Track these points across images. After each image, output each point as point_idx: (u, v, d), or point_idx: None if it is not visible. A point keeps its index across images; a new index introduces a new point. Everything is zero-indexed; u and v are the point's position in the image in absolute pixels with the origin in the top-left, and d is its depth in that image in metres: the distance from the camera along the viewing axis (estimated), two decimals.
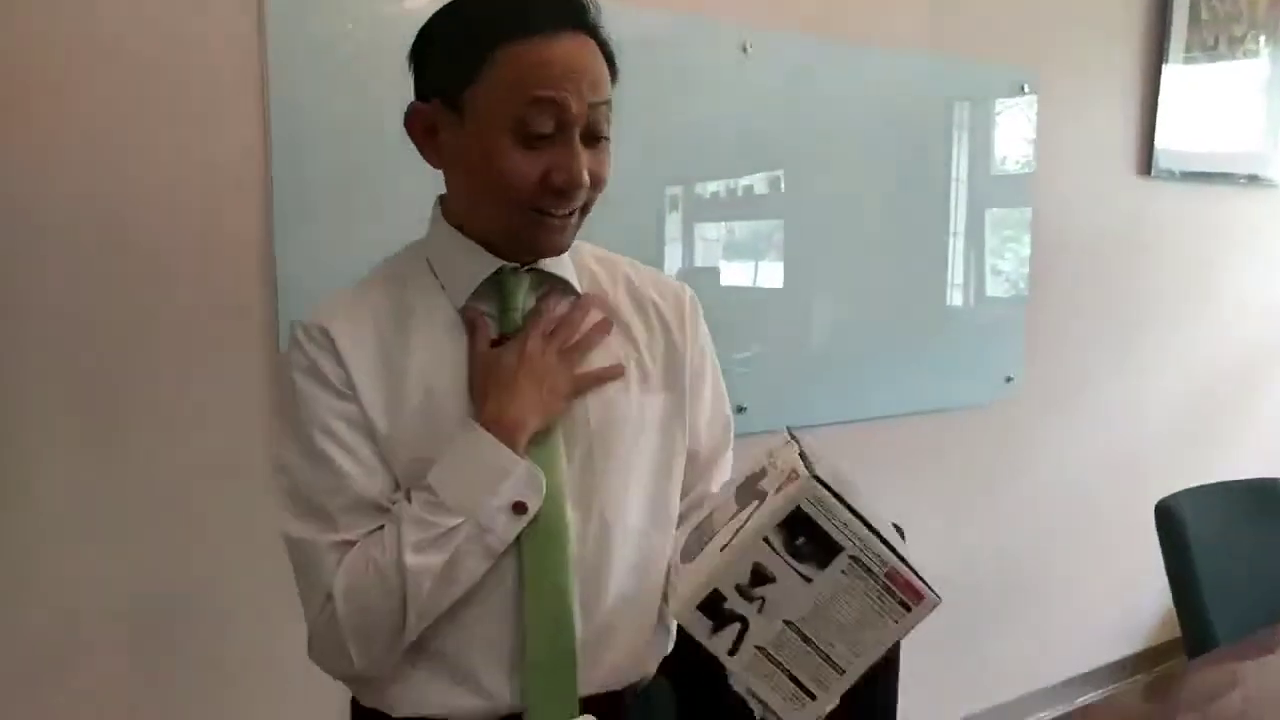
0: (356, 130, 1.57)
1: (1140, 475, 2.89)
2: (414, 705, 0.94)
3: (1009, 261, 2.56)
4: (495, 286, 0.97)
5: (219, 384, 1.54)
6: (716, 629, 0.76)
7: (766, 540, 0.74)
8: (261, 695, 1.59)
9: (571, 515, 0.96)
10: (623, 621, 0.98)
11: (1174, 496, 1.74)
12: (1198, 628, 1.65)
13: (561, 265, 1.00)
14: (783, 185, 2.14)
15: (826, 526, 0.73)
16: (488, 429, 0.91)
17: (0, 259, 1.38)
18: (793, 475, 0.75)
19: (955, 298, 2.46)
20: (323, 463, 0.92)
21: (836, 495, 0.74)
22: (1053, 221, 2.60)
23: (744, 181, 2.11)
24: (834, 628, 0.75)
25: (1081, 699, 2.87)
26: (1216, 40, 2.86)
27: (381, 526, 0.92)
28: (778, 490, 0.76)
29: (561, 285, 1.00)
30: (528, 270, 0.98)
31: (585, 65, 0.90)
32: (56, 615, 1.47)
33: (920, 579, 0.75)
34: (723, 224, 2.10)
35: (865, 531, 0.74)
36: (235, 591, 1.57)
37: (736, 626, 0.75)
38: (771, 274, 2.17)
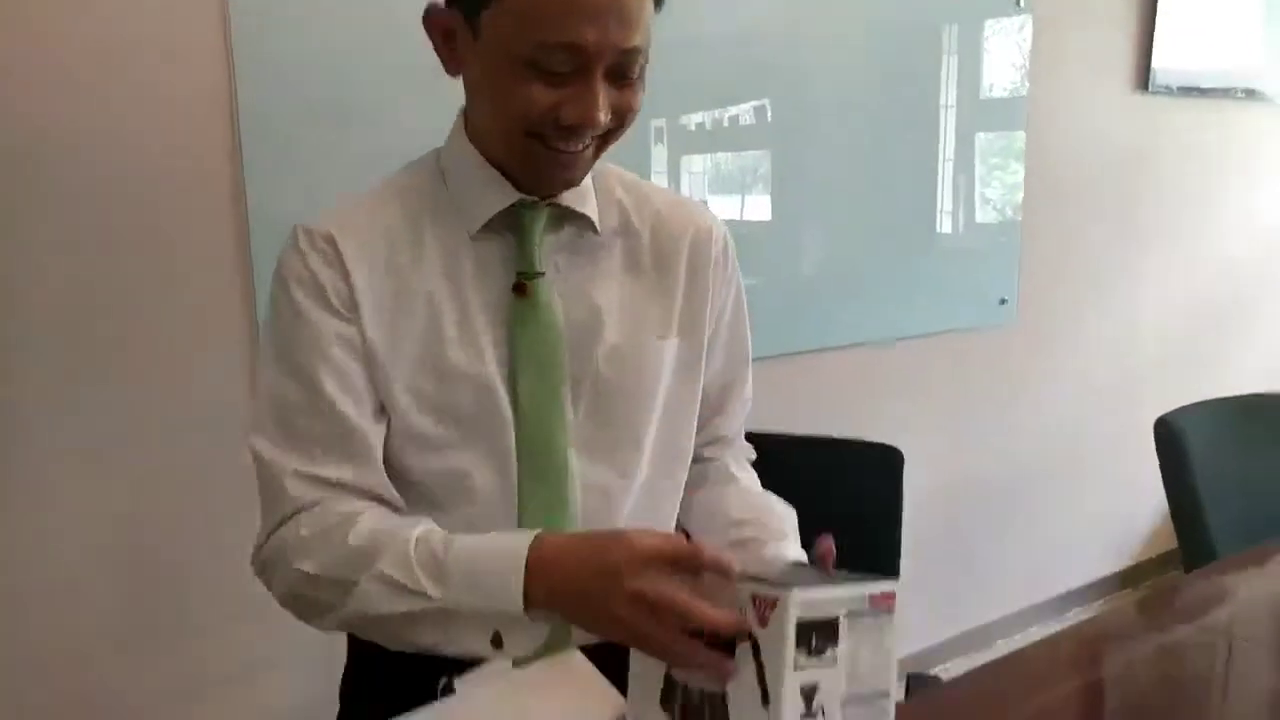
0: (325, 64, 1.52)
1: (1137, 395, 2.89)
2: (408, 644, 0.87)
3: (1000, 186, 2.52)
4: (513, 218, 0.92)
5: (196, 330, 1.53)
6: None
7: (795, 668, 0.69)
8: (247, 632, 1.61)
9: (576, 464, 0.93)
10: None
11: (1173, 413, 1.72)
12: (1197, 542, 1.64)
13: (583, 200, 0.95)
14: (769, 115, 2.09)
15: (822, 612, 0.70)
16: (532, 578, 0.76)
17: None
18: (760, 604, 0.71)
19: (945, 224, 2.42)
20: (310, 387, 0.86)
21: (786, 582, 0.70)
22: (1047, 142, 2.55)
23: (730, 112, 2.06)
24: (866, 672, 0.73)
25: (1076, 612, 2.90)
26: None
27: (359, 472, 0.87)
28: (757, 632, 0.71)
29: (582, 221, 0.95)
30: (547, 204, 0.92)
31: (614, 1, 0.79)
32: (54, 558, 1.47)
33: (873, 578, 0.73)
34: (709, 156, 2.06)
35: (851, 587, 0.71)
36: (219, 532, 1.55)
37: None
38: (759, 206, 2.13)
